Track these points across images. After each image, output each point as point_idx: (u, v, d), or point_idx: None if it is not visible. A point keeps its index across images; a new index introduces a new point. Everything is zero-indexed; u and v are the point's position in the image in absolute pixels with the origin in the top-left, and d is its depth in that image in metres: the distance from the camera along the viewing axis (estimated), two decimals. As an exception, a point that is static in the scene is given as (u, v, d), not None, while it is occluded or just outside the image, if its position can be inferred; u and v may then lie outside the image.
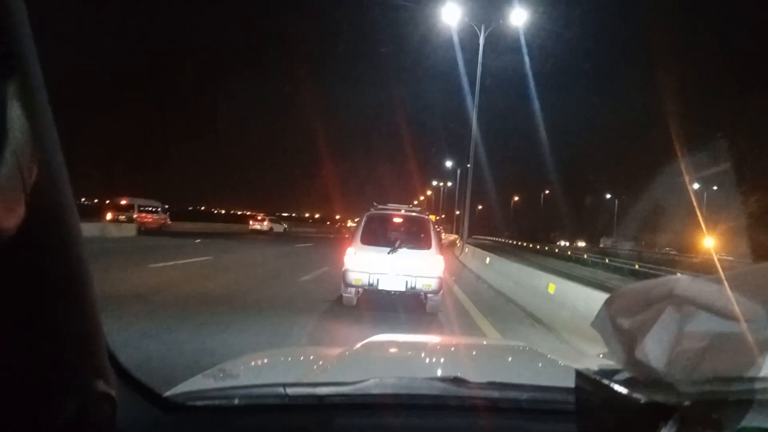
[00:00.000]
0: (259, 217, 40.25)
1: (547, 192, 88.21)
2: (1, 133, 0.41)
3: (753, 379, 0.60)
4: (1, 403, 0.52)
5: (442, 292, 7.65)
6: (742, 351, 0.61)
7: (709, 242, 33.71)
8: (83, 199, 30.27)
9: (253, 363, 1.78)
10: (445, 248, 11.65)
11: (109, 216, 23.29)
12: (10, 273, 0.48)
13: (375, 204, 8.36)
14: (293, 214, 60.56)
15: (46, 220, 0.50)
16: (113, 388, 0.69)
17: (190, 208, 79.27)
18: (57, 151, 0.51)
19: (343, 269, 7.51)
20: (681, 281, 0.66)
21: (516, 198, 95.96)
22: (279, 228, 40.14)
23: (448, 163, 53.19)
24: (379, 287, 7.39)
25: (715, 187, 42.49)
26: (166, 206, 28.43)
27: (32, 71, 0.46)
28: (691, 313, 0.62)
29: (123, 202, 24.59)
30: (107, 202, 25.12)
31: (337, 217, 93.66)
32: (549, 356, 2.05)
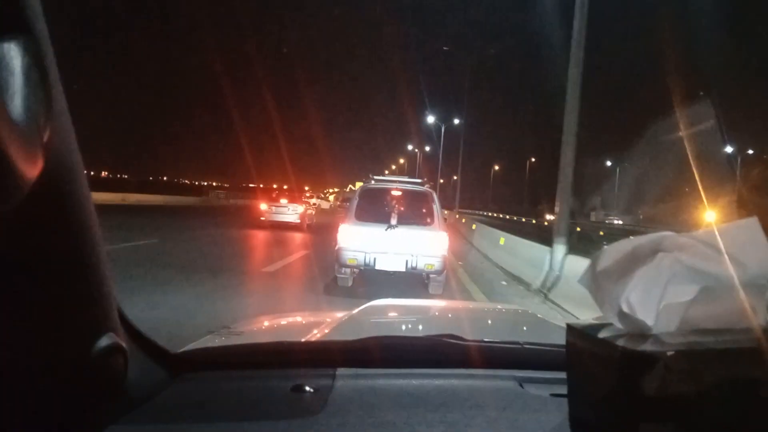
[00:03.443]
0: (307, 195, 40.46)
1: (533, 159, 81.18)
2: (20, 91, 0.43)
3: (736, 331, 0.65)
4: (16, 354, 0.58)
5: (446, 272, 7.32)
6: (727, 304, 0.65)
7: (710, 216, 29.85)
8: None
9: (256, 324, 1.97)
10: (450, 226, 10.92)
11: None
12: (23, 229, 0.50)
13: (371, 176, 7.95)
14: (261, 185, 55.86)
15: (57, 179, 0.51)
16: (125, 343, 0.75)
17: (150, 179, 72.48)
18: (65, 110, 0.53)
19: (336, 248, 7.11)
20: (668, 237, 0.68)
21: (496, 167, 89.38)
22: (325, 205, 41.59)
23: (430, 119, 38.60)
24: (377, 267, 7.01)
25: (751, 151, 38.40)
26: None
27: (40, 31, 0.47)
28: (678, 267, 0.65)
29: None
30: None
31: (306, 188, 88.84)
32: (545, 318, 2.16)
